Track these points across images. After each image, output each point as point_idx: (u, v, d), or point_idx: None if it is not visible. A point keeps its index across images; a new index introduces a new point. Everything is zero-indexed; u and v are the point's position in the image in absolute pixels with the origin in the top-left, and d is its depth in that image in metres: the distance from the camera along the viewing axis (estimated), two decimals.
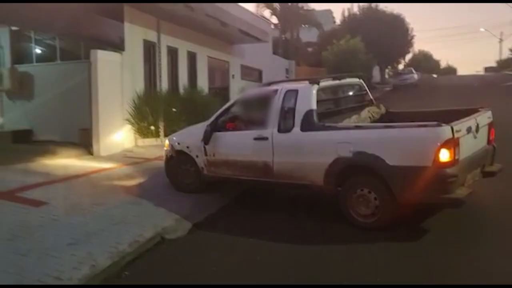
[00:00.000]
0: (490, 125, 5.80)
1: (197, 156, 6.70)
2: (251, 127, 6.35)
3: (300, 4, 31.54)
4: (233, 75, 18.55)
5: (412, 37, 41.39)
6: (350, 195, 5.24)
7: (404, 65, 51.41)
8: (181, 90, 13.94)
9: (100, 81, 10.24)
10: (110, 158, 9.64)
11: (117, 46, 11.31)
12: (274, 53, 25.99)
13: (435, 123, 4.76)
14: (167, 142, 7.38)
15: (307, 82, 6.02)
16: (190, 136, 7.01)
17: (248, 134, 6.17)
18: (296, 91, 5.87)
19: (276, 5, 29.73)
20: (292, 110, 5.75)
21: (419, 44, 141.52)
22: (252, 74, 20.92)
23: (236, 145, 6.40)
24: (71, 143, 10.86)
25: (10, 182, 7.07)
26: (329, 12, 50.75)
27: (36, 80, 12.49)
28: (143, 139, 11.63)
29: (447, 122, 4.76)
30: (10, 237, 4.90)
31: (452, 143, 4.62)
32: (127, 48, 11.58)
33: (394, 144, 4.99)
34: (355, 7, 38.37)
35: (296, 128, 5.66)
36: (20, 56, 13.00)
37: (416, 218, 5.25)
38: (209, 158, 6.56)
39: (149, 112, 11.47)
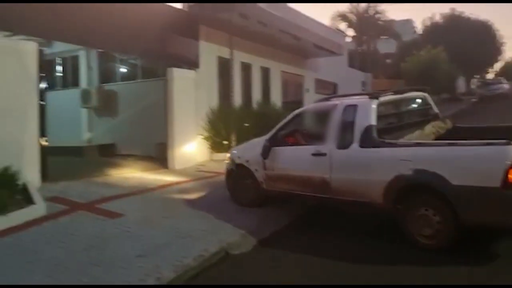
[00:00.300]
0: None
1: (256, 170, 6.77)
2: (309, 142, 6.35)
3: (378, 15, 30.78)
4: (307, 89, 18.47)
5: (502, 44, 38.56)
6: (411, 215, 5.05)
7: (495, 75, 48.03)
8: (254, 105, 14.13)
9: (175, 98, 10.69)
10: (183, 172, 9.95)
11: (193, 63, 11.76)
12: (350, 65, 25.53)
13: (504, 141, 4.45)
14: (228, 155, 7.54)
15: (367, 97, 5.91)
16: (250, 150, 7.07)
17: (307, 150, 6.15)
18: (355, 106, 5.76)
19: (352, 17, 29.28)
20: (351, 125, 5.64)
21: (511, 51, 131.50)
22: (327, 87, 20.66)
23: (294, 160, 6.37)
24: (149, 157, 11.43)
25: (92, 194, 7.52)
26: (409, 22, 48.95)
27: (119, 98, 13.36)
28: (216, 153, 11.89)
29: None
30: (87, 247, 5.18)
31: None
32: (202, 65, 12.00)
33: (458, 163, 4.74)
34: (437, 15, 36.64)
35: (355, 144, 5.55)
36: (106, 75, 14.00)
37: (483, 241, 4.89)
38: (267, 172, 6.60)
39: (222, 126, 11.72)
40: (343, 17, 28.88)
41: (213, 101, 12.41)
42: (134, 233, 5.66)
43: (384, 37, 31.16)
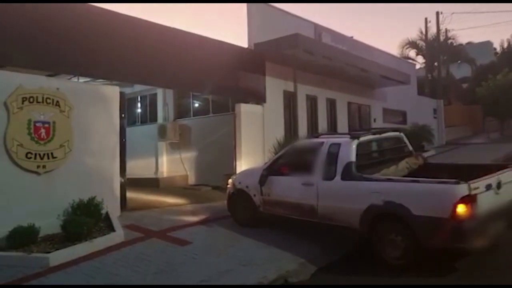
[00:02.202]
0: None
1: (254, 195, 7.70)
2: (300, 173, 7.06)
3: (449, 40, 29.91)
4: (374, 119, 18.42)
5: None
6: (382, 239, 5.82)
7: None
8: None
9: (243, 131, 11.33)
10: None
11: (260, 98, 12.39)
12: (421, 93, 24.92)
13: (454, 180, 5.25)
14: (230, 180, 8.41)
15: (349, 136, 6.79)
16: (249, 177, 7.99)
17: (298, 179, 6.99)
18: (339, 145, 6.66)
19: (422, 43, 28.70)
20: (335, 161, 6.53)
21: None
22: (395, 116, 20.42)
23: (288, 188, 7.22)
24: (219, 187, 12.05)
25: (164, 222, 8.18)
26: (488, 44, 46.79)
27: (192, 131, 14.29)
28: None
29: (473, 178, 5.29)
30: (156, 271, 5.73)
31: (468, 199, 5.09)
32: (268, 99, 12.60)
33: (418, 197, 5.53)
34: None
35: (338, 177, 6.42)
36: (181, 111, 15.07)
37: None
38: (264, 197, 7.53)
39: None
40: (412, 44, 28.40)
41: (280, 132, 12.86)
42: (200, 260, 6.12)
43: (458, 62, 29.97)
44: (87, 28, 8.33)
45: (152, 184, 13.32)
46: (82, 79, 9.65)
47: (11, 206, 6.78)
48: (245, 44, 12.26)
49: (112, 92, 8.57)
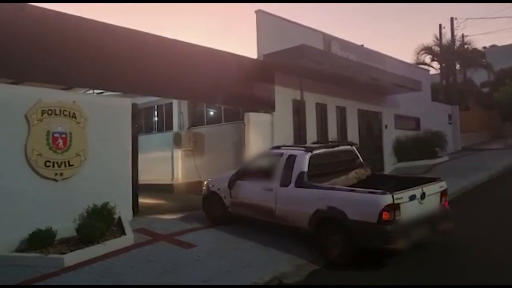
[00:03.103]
0: (443, 193, 7.07)
1: (224, 197, 8.73)
2: (263, 179, 8.01)
3: (466, 45, 29.69)
4: (386, 126, 18.56)
5: None
6: (325, 238, 6.72)
7: None
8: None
9: (251, 139, 11.77)
10: None
11: (269, 107, 12.80)
12: (436, 99, 24.85)
13: (380, 191, 6.22)
14: (205, 183, 9.47)
15: (304, 149, 7.76)
16: (221, 181, 8.92)
17: (260, 185, 7.96)
18: (295, 156, 7.61)
19: (437, 49, 28.59)
20: (291, 170, 7.49)
21: None
22: (408, 123, 20.46)
23: (251, 192, 8.21)
24: None
25: (174, 226, 8.66)
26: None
27: (206, 139, 14.79)
28: None
29: (400, 189, 6.27)
30: (162, 271, 6.18)
31: (392, 207, 6.04)
32: (277, 107, 13.00)
33: (353, 204, 6.47)
34: None
35: (292, 184, 7.40)
36: (195, 119, 15.60)
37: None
38: (232, 199, 8.57)
39: None
40: (428, 50, 28.30)
41: (289, 140, 13.21)
42: (203, 262, 6.55)
43: (474, 68, 29.59)
44: (102, 44, 8.92)
45: (167, 189, 13.84)
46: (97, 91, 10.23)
47: (31, 211, 7.35)
48: (254, 55, 12.69)
49: (124, 103, 9.12)
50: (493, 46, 42.62)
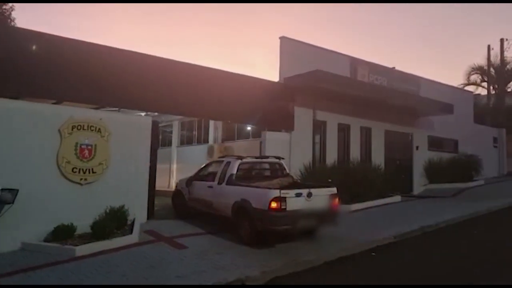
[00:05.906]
0: (333, 196, 8.82)
1: (185, 194, 11.28)
2: (208, 179, 10.43)
3: None
4: (417, 147, 18.68)
5: None
6: (239, 223, 8.85)
7: None
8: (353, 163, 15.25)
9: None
10: None
11: (288, 127, 13.76)
12: (481, 121, 24.26)
13: (272, 188, 8.37)
14: (176, 183, 12.03)
15: (236, 157, 10.11)
16: (184, 181, 11.37)
17: (206, 183, 10.36)
18: (229, 162, 9.97)
19: (487, 70, 27.66)
20: (225, 172, 9.83)
21: None
22: (444, 144, 20.33)
23: (200, 189, 10.64)
24: None
25: (179, 230, 9.83)
26: None
27: (234, 152, 15.96)
28: None
29: (291, 189, 8.34)
30: (148, 266, 7.34)
31: (279, 199, 7.97)
32: (297, 127, 13.92)
33: (255, 196, 8.48)
34: None
35: (224, 183, 9.71)
36: (228, 134, 16.91)
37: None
38: (189, 196, 11.11)
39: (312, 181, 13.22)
40: (480, 70, 27.46)
41: (307, 158, 14.07)
42: (186, 261, 7.62)
43: None
44: (137, 71, 10.64)
45: None
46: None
47: (58, 209, 8.93)
48: (276, 79, 13.74)
49: (145, 121, 10.60)
50: None
